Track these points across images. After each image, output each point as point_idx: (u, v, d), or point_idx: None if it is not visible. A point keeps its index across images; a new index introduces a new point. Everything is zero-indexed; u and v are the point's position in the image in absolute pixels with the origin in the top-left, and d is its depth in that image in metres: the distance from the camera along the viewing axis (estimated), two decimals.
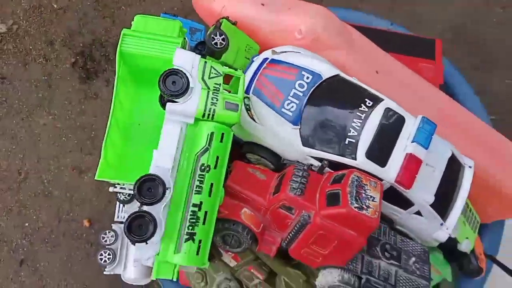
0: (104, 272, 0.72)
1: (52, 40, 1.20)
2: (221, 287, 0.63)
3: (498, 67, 1.23)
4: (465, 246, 0.73)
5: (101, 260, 0.71)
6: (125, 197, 0.61)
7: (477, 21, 1.26)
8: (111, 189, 0.58)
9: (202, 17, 0.67)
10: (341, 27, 0.64)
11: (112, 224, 0.73)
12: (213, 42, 0.57)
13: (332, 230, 0.47)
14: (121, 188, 0.58)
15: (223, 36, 0.57)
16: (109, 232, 0.71)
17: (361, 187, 0.48)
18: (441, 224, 0.57)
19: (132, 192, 0.56)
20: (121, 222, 0.74)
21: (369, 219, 0.46)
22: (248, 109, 0.54)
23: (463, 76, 0.92)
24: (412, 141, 0.53)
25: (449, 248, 0.74)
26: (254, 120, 0.54)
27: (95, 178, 0.51)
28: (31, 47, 1.19)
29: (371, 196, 0.48)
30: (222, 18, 0.60)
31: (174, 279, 0.45)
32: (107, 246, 0.71)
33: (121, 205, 0.74)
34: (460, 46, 1.24)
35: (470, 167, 0.61)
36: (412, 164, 0.52)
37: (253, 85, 0.54)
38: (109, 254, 0.71)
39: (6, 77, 1.17)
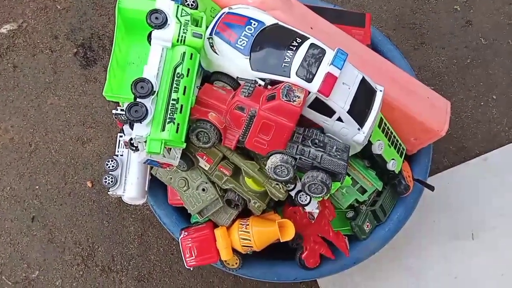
0: (108, 193, 0.91)
1: (56, 35, 1.41)
2: (200, 188, 0.82)
3: (434, 47, 1.46)
4: (392, 165, 0.93)
5: (105, 183, 0.90)
6: (124, 117, 0.80)
7: (415, 10, 1.50)
8: (113, 111, 0.78)
9: None
10: None
11: (113, 156, 0.92)
12: (186, 3, 0.78)
13: (270, 118, 0.67)
14: (121, 110, 0.77)
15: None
16: (111, 160, 0.91)
17: (291, 90, 0.69)
18: (358, 129, 0.78)
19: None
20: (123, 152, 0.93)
21: (294, 107, 0.66)
22: (211, 46, 0.75)
23: (391, 42, 1.14)
24: (330, 64, 0.74)
25: (381, 168, 0.95)
26: (217, 53, 0.75)
27: (103, 93, 0.71)
28: (38, 41, 1.40)
29: (297, 96, 0.68)
30: None
31: (161, 154, 0.65)
32: (110, 172, 0.91)
33: (120, 141, 0.93)
34: (401, 31, 1.48)
35: (380, 90, 0.82)
36: (329, 79, 0.73)
37: (215, 29, 0.76)
38: (111, 179, 0.90)
39: (18, 66, 1.37)
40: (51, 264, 1.21)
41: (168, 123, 0.64)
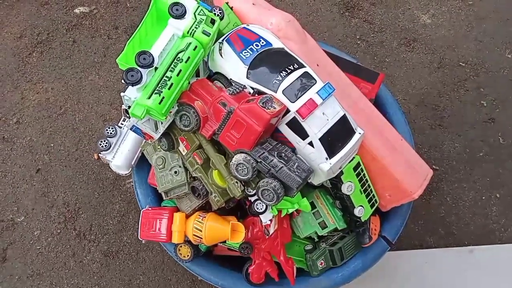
0: (100, 155, 1.01)
1: (117, 26, 1.60)
2: (173, 170, 0.90)
3: (450, 132, 1.49)
4: (358, 211, 0.96)
5: (100, 145, 1.00)
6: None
7: (443, 94, 1.55)
8: (123, 81, 0.89)
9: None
10: (300, 30, 0.96)
11: (116, 125, 1.03)
12: (214, 12, 0.90)
13: (244, 118, 0.75)
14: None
15: (221, 11, 0.91)
16: (112, 127, 1.01)
17: (270, 100, 0.77)
18: (326, 159, 0.83)
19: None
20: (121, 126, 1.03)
21: (266, 113, 0.74)
22: (220, 49, 0.85)
23: (399, 107, 1.19)
24: (316, 93, 0.81)
25: (349, 214, 0.98)
26: (222, 56, 0.85)
27: (117, 60, 0.82)
28: (101, 27, 1.60)
29: (273, 106, 0.76)
30: (225, 2, 0.94)
31: (142, 118, 0.74)
32: (107, 137, 1.01)
33: (124, 117, 1.04)
34: (422, 108, 1.53)
35: (359, 133, 0.87)
36: (310, 105, 0.79)
37: (227, 37, 0.86)
38: (106, 143, 1.00)
39: (76, 42, 1.57)
40: (37, 215, 1.31)
41: (155, 94, 0.74)
